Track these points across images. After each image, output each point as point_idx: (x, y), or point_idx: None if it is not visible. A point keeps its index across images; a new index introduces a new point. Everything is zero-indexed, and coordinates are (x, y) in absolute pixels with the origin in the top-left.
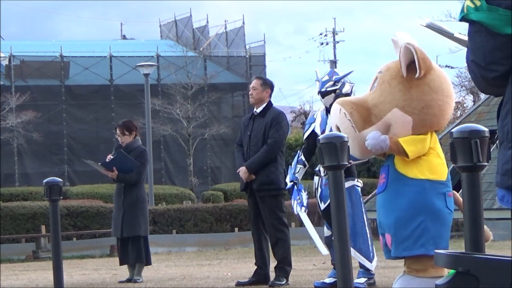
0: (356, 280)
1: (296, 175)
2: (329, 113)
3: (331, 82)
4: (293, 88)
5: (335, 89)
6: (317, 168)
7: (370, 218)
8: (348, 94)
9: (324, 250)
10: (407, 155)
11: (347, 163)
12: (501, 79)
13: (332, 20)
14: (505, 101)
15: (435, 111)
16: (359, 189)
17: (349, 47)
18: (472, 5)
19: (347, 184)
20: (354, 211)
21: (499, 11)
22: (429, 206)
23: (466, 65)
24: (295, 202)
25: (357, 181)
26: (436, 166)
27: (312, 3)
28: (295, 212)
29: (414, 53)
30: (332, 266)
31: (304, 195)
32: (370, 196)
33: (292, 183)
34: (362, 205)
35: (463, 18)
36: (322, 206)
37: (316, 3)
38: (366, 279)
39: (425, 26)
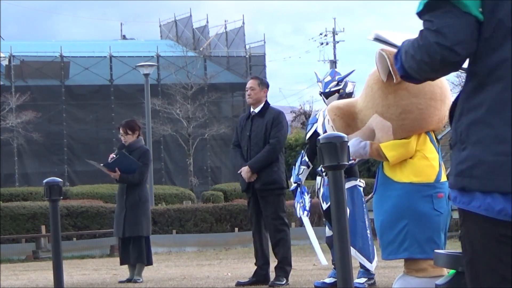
0: (356, 280)
1: (300, 176)
2: None
3: (335, 82)
4: (293, 88)
5: (339, 89)
6: (319, 168)
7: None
8: (351, 93)
9: (323, 260)
10: (388, 160)
11: (347, 162)
12: (459, 64)
13: (331, 20)
14: (459, 102)
15: (415, 115)
16: (361, 189)
17: (349, 47)
18: None
19: (349, 184)
20: (356, 211)
21: None
22: (413, 209)
23: (413, 53)
24: (298, 205)
25: (359, 181)
26: (421, 169)
27: (312, 3)
28: (298, 215)
29: (387, 60)
30: (332, 266)
31: (307, 198)
32: (370, 196)
33: (295, 184)
34: (364, 205)
35: (429, 2)
36: (324, 206)
37: (316, 3)
38: (366, 279)
39: (373, 40)
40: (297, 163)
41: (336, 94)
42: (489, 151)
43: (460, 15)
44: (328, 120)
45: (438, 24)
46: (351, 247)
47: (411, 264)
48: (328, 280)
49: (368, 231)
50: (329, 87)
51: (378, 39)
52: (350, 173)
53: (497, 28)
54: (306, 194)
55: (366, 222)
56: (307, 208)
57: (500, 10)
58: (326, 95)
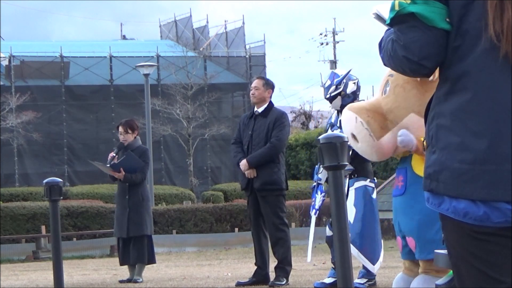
0: (356, 280)
1: (319, 175)
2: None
3: (333, 87)
4: (293, 88)
5: (340, 92)
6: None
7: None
8: (354, 92)
9: (309, 257)
10: None
11: (347, 163)
12: (430, 74)
13: (331, 20)
14: (432, 106)
15: None
16: (371, 189)
17: (350, 47)
18: (405, 0)
19: (358, 184)
20: (365, 211)
21: (435, 4)
22: None
23: (391, 65)
24: (313, 203)
25: (369, 181)
26: None
27: (312, 3)
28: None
29: None
30: (332, 266)
31: (318, 197)
32: None
33: (315, 183)
34: (375, 206)
35: (396, 16)
36: None
37: (316, 3)
38: (367, 279)
39: (374, 18)
40: (319, 163)
41: (339, 97)
42: (454, 158)
43: (426, 29)
44: (362, 122)
45: (405, 39)
46: (354, 248)
47: (431, 264)
48: (328, 280)
49: (378, 233)
50: (329, 92)
51: (378, 16)
52: (361, 173)
53: (464, 38)
54: (319, 193)
55: (376, 223)
56: (316, 207)
57: (466, 20)
58: (330, 100)
